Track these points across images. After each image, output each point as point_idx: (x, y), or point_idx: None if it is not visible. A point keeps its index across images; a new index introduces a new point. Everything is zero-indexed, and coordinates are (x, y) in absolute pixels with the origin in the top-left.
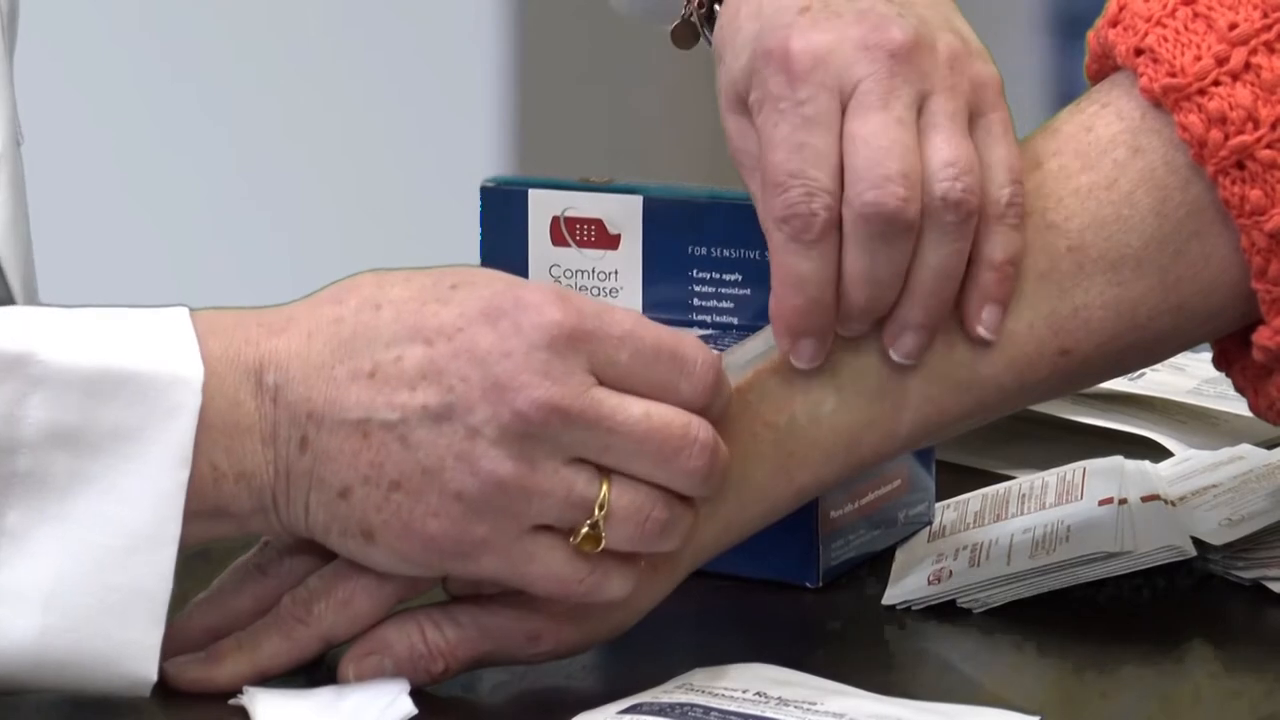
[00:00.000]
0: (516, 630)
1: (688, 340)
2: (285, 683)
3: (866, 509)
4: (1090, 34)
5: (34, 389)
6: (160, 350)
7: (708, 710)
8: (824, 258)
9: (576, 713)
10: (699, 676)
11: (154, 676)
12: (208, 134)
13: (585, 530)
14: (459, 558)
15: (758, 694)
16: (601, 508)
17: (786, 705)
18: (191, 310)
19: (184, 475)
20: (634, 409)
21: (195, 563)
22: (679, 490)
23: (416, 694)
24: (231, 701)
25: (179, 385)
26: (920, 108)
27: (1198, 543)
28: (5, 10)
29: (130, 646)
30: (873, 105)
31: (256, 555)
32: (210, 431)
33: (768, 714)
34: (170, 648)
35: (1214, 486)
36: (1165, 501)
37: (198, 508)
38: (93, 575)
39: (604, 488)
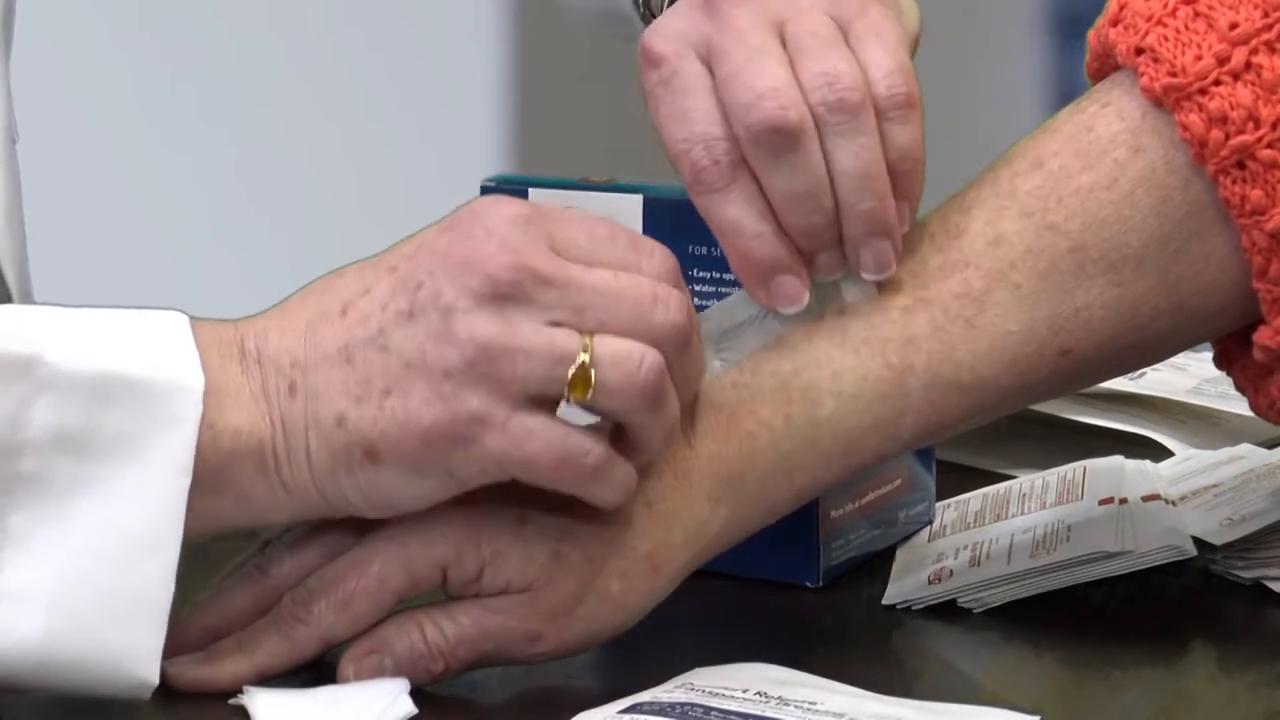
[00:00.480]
0: (517, 630)
1: (643, 237)
2: (285, 682)
3: (867, 508)
4: (1091, 33)
5: (41, 392)
6: (163, 358)
7: (708, 710)
8: (745, 195)
9: (577, 712)
10: (699, 676)
11: (155, 680)
12: (207, 134)
13: (574, 371)
14: (462, 444)
15: (758, 694)
16: (586, 350)
17: (787, 705)
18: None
19: (185, 482)
20: (602, 272)
21: (195, 563)
22: (659, 348)
23: (416, 693)
24: (231, 701)
25: (182, 394)
26: (782, 37)
27: (1198, 542)
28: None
29: (132, 650)
30: (728, 48)
31: (256, 555)
32: (207, 394)
33: (768, 714)
34: (170, 648)
35: (1214, 486)
36: (1166, 501)
37: (199, 476)
38: (95, 579)
39: (588, 337)
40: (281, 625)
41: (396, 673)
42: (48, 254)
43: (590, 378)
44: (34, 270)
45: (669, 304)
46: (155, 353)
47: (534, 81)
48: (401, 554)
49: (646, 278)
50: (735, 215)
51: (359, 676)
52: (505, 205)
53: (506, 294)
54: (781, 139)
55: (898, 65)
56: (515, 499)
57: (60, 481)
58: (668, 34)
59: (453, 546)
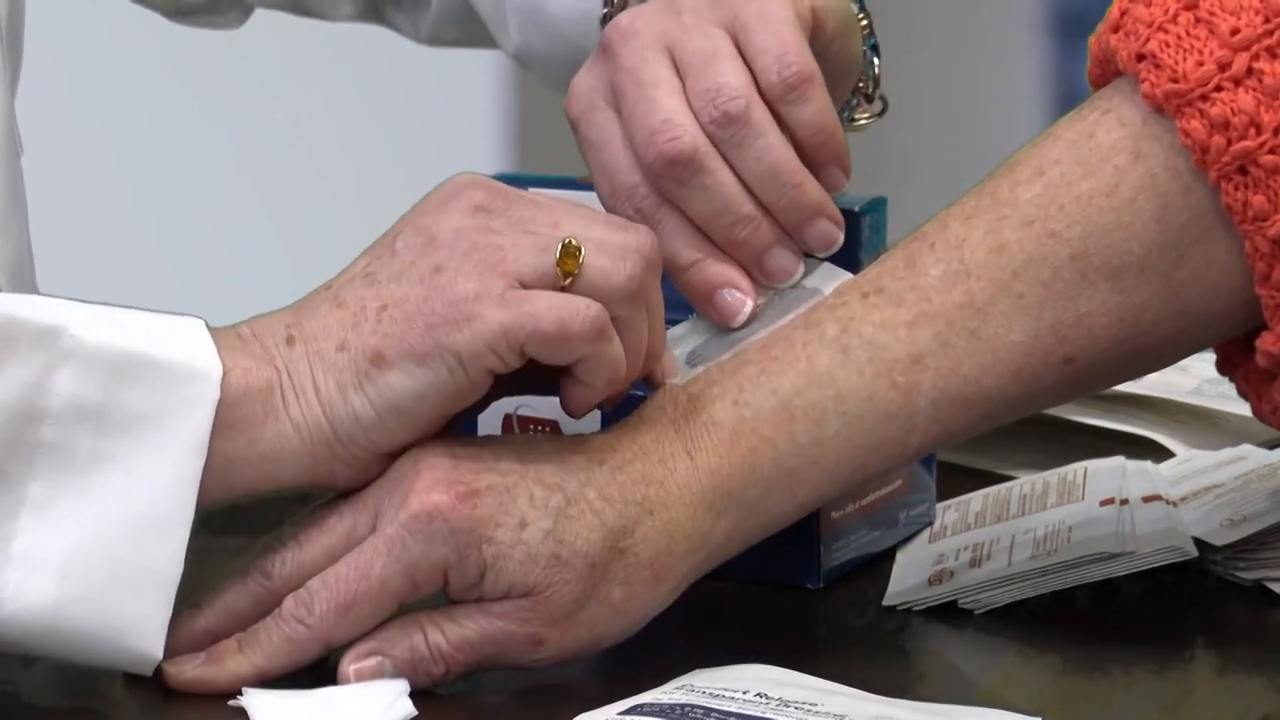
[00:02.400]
0: (518, 635)
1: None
2: (285, 684)
3: (867, 509)
4: (1092, 39)
5: (64, 362)
6: (182, 345)
7: (708, 711)
8: (672, 230)
9: (577, 713)
10: (700, 677)
11: (159, 654)
12: (208, 134)
13: (561, 246)
14: (465, 322)
15: (758, 695)
16: (571, 239)
17: (787, 706)
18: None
19: (200, 463)
20: (570, 204)
21: (195, 565)
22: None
23: (417, 694)
24: (232, 703)
25: (200, 377)
26: (673, 60)
27: (1199, 543)
28: (4, 21)
29: (139, 622)
30: (625, 89)
31: (257, 557)
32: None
33: (768, 715)
34: (171, 649)
35: (1215, 487)
36: (1166, 502)
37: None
38: (108, 550)
39: (567, 237)
40: (282, 627)
41: (397, 675)
42: (54, 261)
43: (578, 250)
44: (40, 275)
45: (640, 229)
46: (175, 339)
47: (534, 81)
48: (403, 557)
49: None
50: (667, 255)
51: (359, 678)
52: (461, 175)
53: (485, 208)
54: (680, 168)
55: (785, 45)
56: (516, 503)
57: (79, 453)
58: (575, 93)
59: (454, 550)
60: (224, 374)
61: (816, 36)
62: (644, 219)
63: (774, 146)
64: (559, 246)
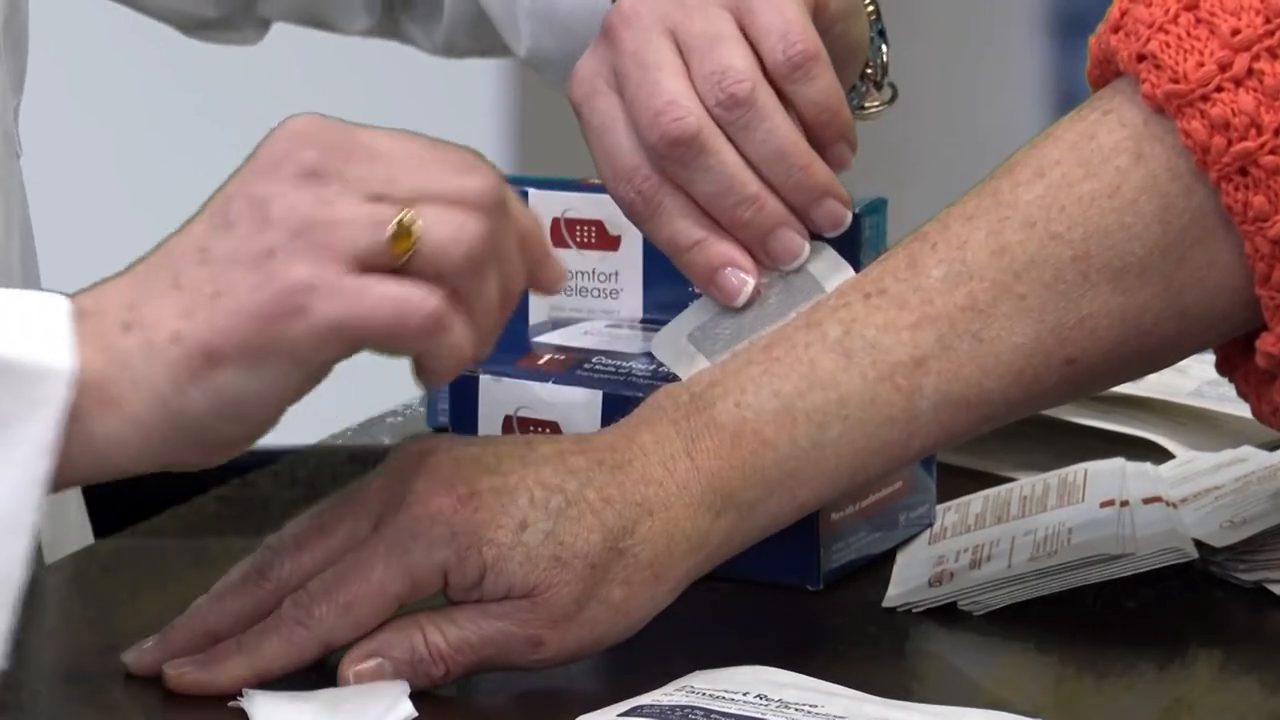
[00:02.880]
0: (518, 636)
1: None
2: (285, 686)
3: (867, 511)
4: (1091, 40)
5: None
6: (33, 340)
7: (708, 713)
8: (675, 211)
9: (577, 714)
10: (700, 679)
11: (2, 664)
12: (208, 134)
13: (394, 225)
14: (298, 315)
15: (758, 696)
16: (407, 212)
17: (787, 708)
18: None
19: (46, 465)
20: (413, 144)
21: (195, 565)
22: (478, 202)
23: (417, 695)
24: (231, 704)
25: (49, 377)
26: (676, 43)
27: (1199, 545)
28: (3, 22)
29: None
30: (628, 72)
31: (257, 558)
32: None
33: (768, 716)
34: (170, 650)
35: (1215, 488)
36: (1167, 503)
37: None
38: None
39: (410, 209)
40: (282, 628)
41: (396, 676)
42: (52, 257)
43: (413, 231)
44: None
45: (481, 169)
46: (25, 334)
47: (534, 81)
48: (403, 558)
49: (457, 147)
50: (669, 235)
51: (359, 680)
52: (298, 119)
53: (318, 172)
54: (684, 149)
55: (789, 24)
56: (517, 504)
57: None
58: (578, 78)
59: (454, 551)
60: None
61: (820, 16)
62: (645, 201)
63: (780, 128)
64: (393, 224)
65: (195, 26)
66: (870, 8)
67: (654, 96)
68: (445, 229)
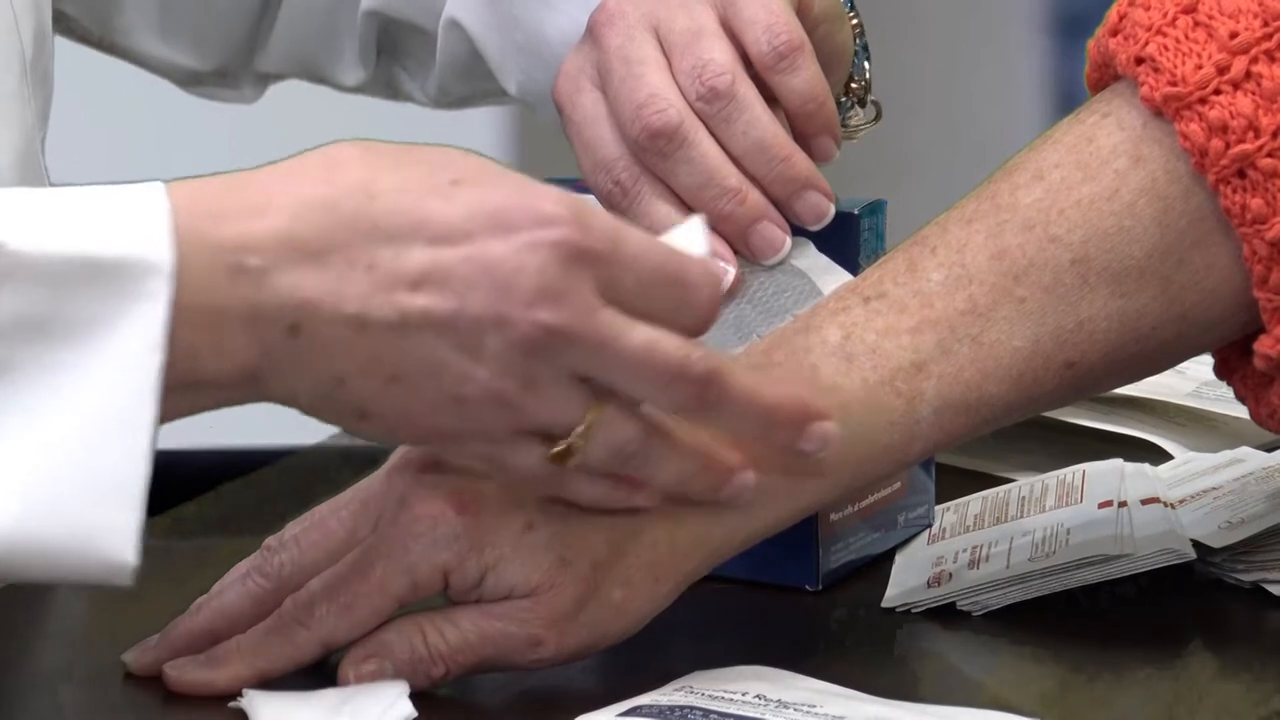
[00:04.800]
0: (518, 636)
1: (695, 266)
2: (285, 685)
3: (866, 511)
4: (1090, 43)
5: (3, 281)
6: (132, 235)
7: (707, 713)
8: (654, 197)
9: (577, 714)
10: (699, 679)
11: (132, 561)
12: (207, 133)
13: (559, 449)
14: (451, 444)
15: (757, 697)
16: (588, 430)
17: (786, 708)
18: (168, 184)
19: (157, 359)
20: (636, 335)
21: (196, 565)
22: (677, 413)
23: (416, 694)
24: (231, 704)
25: (150, 272)
26: (659, 39)
27: (1197, 545)
28: (30, 58)
29: (108, 529)
30: (611, 67)
31: (258, 558)
32: (185, 311)
33: (767, 716)
34: (171, 650)
35: (1214, 489)
36: (1165, 504)
37: (176, 382)
38: (68, 461)
39: (595, 412)
40: (282, 628)
41: (396, 676)
42: None
43: (572, 455)
44: None
45: (692, 379)
46: (123, 230)
47: None
48: (404, 559)
49: (682, 344)
50: (648, 224)
51: (359, 680)
52: (565, 225)
53: (536, 353)
54: (665, 141)
55: (772, 16)
56: (520, 505)
57: (27, 369)
58: (562, 76)
59: (455, 552)
60: (194, 356)
61: (803, 16)
62: (623, 190)
63: (761, 120)
64: (557, 450)
65: (190, 81)
66: (855, 22)
67: (636, 90)
68: (608, 451)
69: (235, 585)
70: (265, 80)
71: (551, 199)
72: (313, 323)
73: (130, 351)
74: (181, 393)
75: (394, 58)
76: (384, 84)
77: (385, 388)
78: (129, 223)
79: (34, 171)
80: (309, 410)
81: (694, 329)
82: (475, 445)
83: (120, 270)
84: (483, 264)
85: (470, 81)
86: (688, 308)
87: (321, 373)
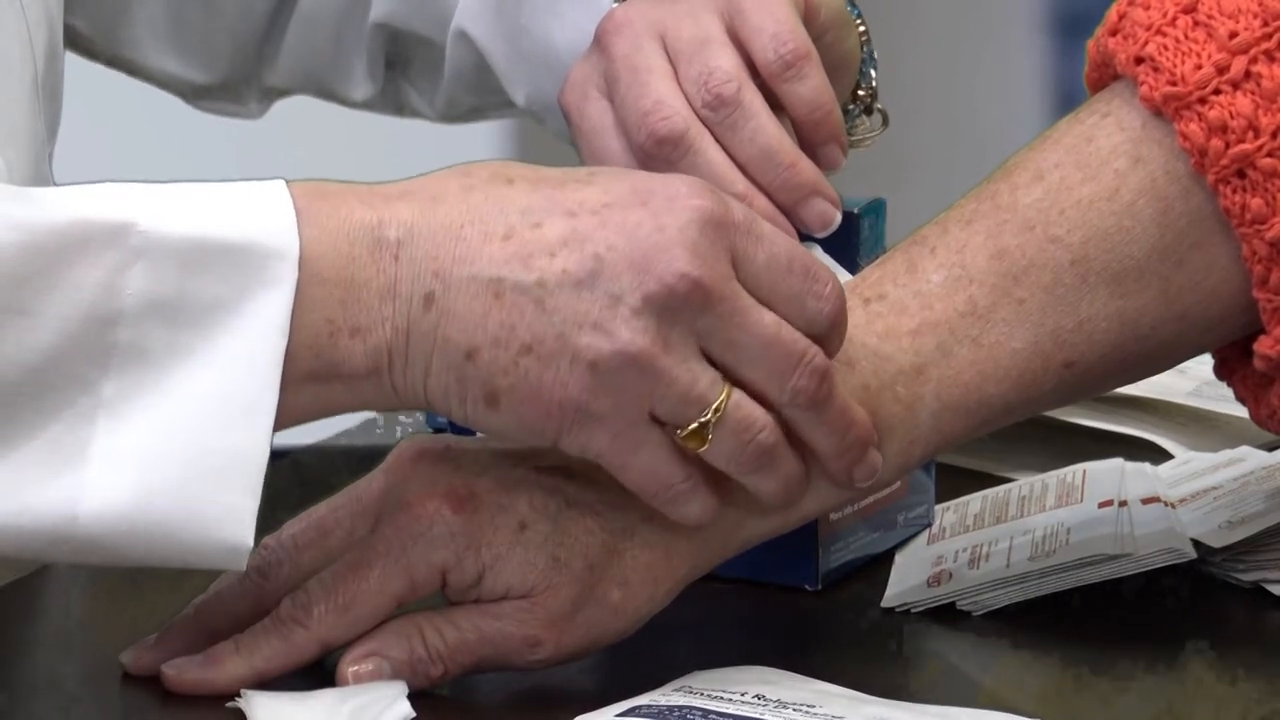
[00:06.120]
0: (516, 636)
1: (822, 265)
2: (283, 685)
3: (866, 511)
4: (1090, 43)
5: (135, 260)
6: (259, 222)
7: (706, 713)
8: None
9: (576, 714)
10: (698, 679)
11: (249, 543)
12: (206, 133)
13: (694, 427)
14: (575, 428)
15: (757, 696)
16: (717, 411)
17: (785, 708)
18: (289, 182)
19: (282, 345)
20: (766, 315)
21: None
22: (785, 405)
23: (415, 694)
24: (230, 704)
25: (276, 258)
26: (665, 47)
27: (1198, 545)
28: (41, 74)
29: (226, 512)
30: (618, 75)
31: (256, 558)
32: (324, 285)
33: (766, 716)
34: (169, 650)
35: (1214, 489)
36: (1165, 503)
37: (311, 367)
38: (189, 443)
39: (725, 393)
40: (280, 628)
41: (395, 676)
42: None
43: (706, 438)
44: None
45: (804, 369)
46: (250, 217)
47: None
48: (402, 559)
49: (804, 337)
50: None
51: (358, 680)
52: (700, 195)
53: (674, 308)
54: (671, 148)
55: (780, 24)
56: (514, 504)
57: (156, 350)
58: (569, 84)
59: (453, 552)
60: (332, 331)
61: (810, 23)
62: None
63: (766, 127)
64: (690, 427)
65: (196, 95)
66: (861, 30)
67: (642, 98)
68: (737, 439)
69: (233, 585)
70: (271, 95)
71: (688, 181)
72: (447, 290)
73: (255, 336)
74: (316, 384)
75: (402, 71)
76: (391, 99)
77: (518, 360)
78: (256, 210)
79: (43, 186)
80: (436, 399)
81: (815, 320)
82: (601, 435)
83: (248, 254)
84: (622, 226)
85: (478, 93)
86: (813, 299)
87: (454, 346)
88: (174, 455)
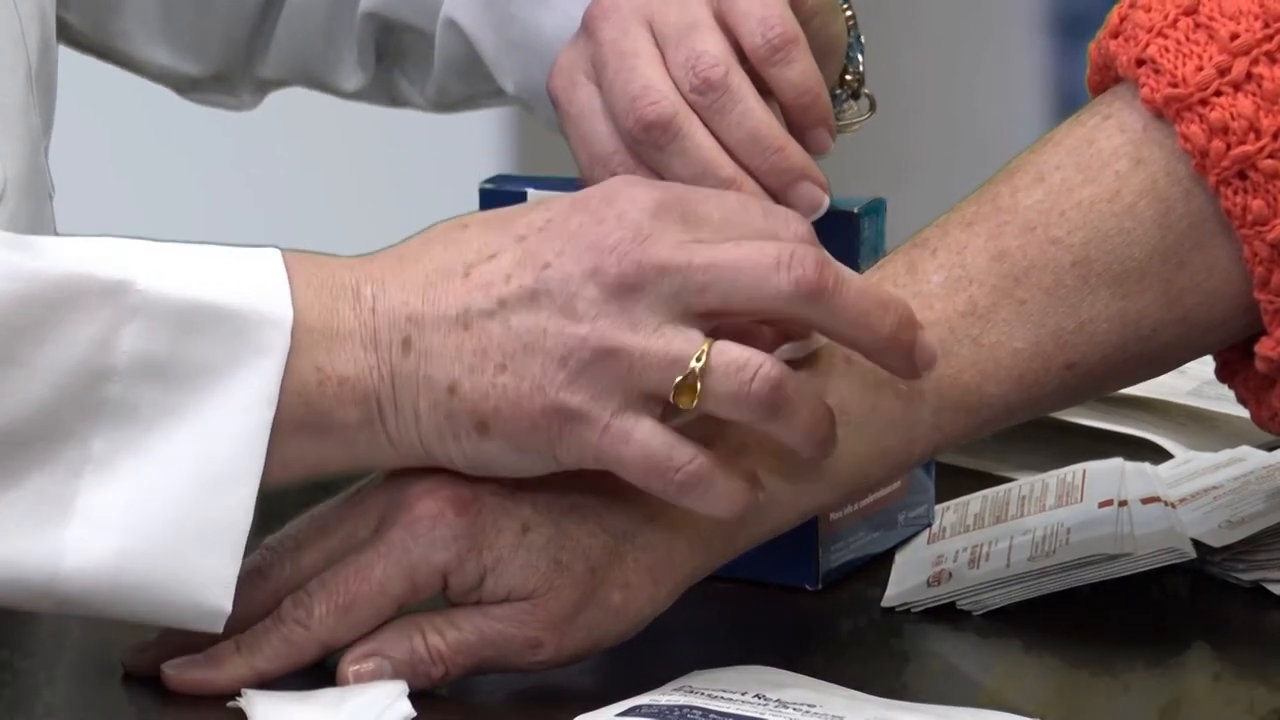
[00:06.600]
0: (517, 638)
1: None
2: (284, 685)
3: (866, 511)
4: (1091, 46)
5: (130, 318)
6: (254, 289)
7: (706, 713)
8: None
9: (576, 714)
10: (698, 678)
11: (228, 608)
12: (206, 132)
13: (679, 381)
14: (566, 433)
15: (757, 696)
16: (699, 360)
17: (785, 707)
18: (282, 251)
19: (269, 414)
20: (727, 246)
21: None
22: (785, 312)
23: (416, 694)
24: (230, 704)
25: (270, 326)
26: (653, 31)
27: (1198, 545)
28: (35, 67)
29: (206, 576)
30: (605, 60)
31: (257, 558)
32: (311, 334)
33: (766, 716)
34: (169, 649)
35: (1214, 488)
36: (1165, 503)
37: (302, 416)
38: (173, 505)
39: (706, 344)
40: (281, 628)
41: (395, 676)
42: None
43: (696, 387)
44: None
45: (793, 263)
46: (246, 284)
47: None
48: (403, 560)
49: (773, 243)
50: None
51: (358, 679)
52: (638, 189)
53: (631, 285)
54: (659, 132)
55: (767, 9)
56: (517, 506)
57: (146, 409)
58: (557, 69)
59: (454, 554)
60: (321, 379)
61: (797, 8)
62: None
63: (754, 111)
64: (676, 381)
65: (188, 87)
66: (848, 14)
67: (630, 83)
68: (733, 381)
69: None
70: (264, 87)
71: (624, 179)
72: (422, 332)
73: (244, 402)
74: (308, 436)
75: (393, 61)
76: (383, 89)
77: (495, 380)
78: (252, 276)
79: (39, 180)
80: (432, 443)
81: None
82: (590, 432)
83: (243, 320)
84: (564, 231)
85: (469, 82)
86: (780, 225)
87: (436, 384)
88: (157, 517)
